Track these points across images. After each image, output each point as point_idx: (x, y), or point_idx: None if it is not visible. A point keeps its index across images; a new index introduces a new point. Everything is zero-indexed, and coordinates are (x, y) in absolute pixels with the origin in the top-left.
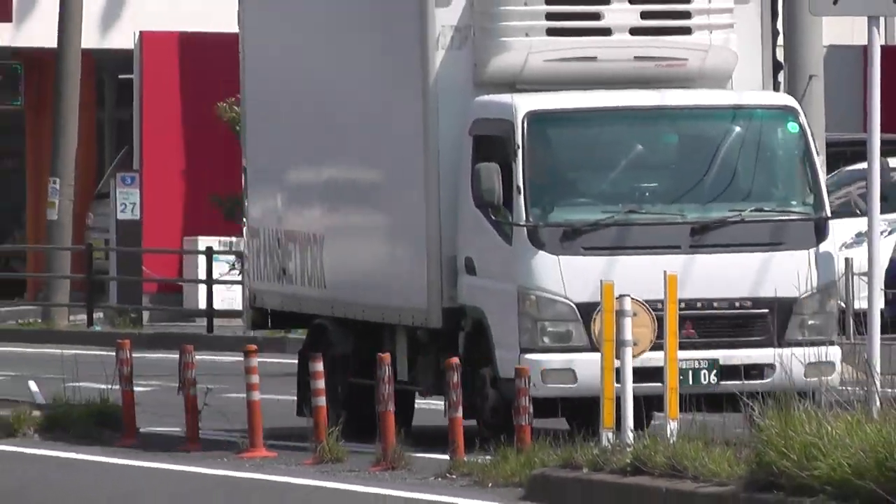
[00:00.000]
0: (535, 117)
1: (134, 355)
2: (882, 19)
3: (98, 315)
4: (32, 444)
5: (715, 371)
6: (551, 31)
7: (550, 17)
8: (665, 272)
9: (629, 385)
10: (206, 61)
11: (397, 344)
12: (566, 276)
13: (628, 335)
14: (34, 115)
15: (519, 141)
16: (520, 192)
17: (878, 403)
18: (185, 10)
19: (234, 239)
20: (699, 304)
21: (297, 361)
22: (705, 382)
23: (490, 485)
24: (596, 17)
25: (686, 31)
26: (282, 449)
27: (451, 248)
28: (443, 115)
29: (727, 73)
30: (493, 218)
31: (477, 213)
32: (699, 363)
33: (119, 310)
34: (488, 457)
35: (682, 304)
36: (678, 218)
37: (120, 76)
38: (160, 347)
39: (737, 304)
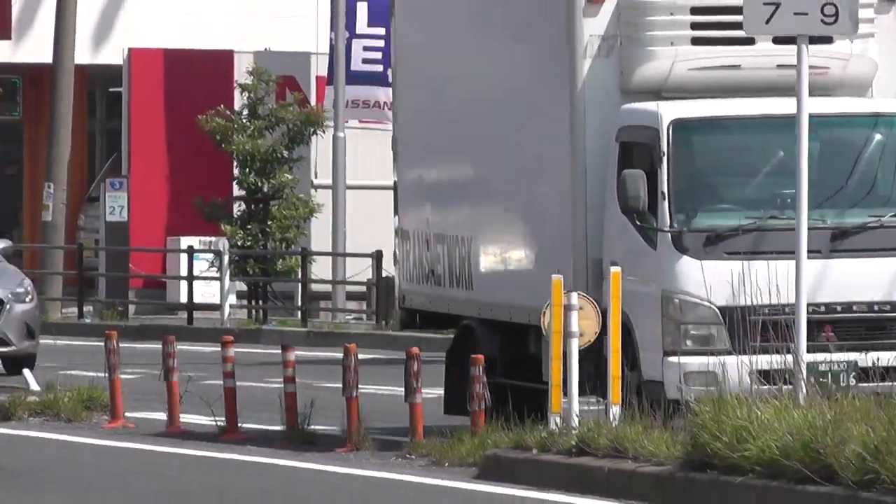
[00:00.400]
0: (679, 125)
1: (121, 345)
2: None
3: (88, 308)
4: (27, 426)
5: (853, 373)
6: (696, 41)
7: (695, 26)
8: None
9: (575, 372)
10: (189, 76)
11: (543, 345)
12: (709, 279)
13: (575, 327)
14: (31, 125)
15: (664, 148)
16: (664, 198)
17: (803, 391)
18: (170, 28)
19: (213, 239)
20: (838, 308)
21: (444, 360)
22: (844, 384)
23: (447, 464)
24: (739, 26)
25: (827, 40)
26: (256, 432)
27: (596, 251)
28: (589, 122)
29: (867, 81)
30: (639, 223)
31: (622, 219)
32: (838, 365)
33: (107, 303)
34: (445, 439)
35: (822, 308)
36: (818, 223)
37: (110, 89)
38: (145, 338)
39: (875, 307)
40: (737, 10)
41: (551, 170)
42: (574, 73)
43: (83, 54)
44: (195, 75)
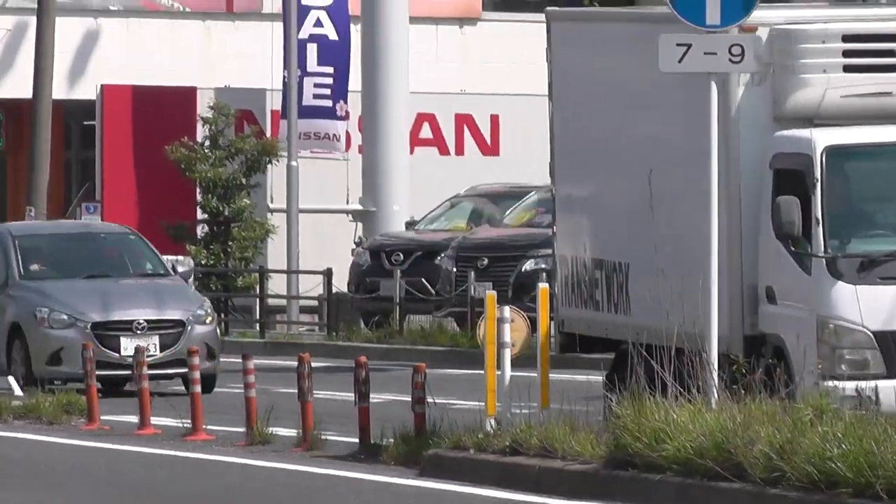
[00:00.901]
0: (833, 151)
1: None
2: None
3: None
4: (11, 428)
5: None
6: (848, 68)
7: (847, 54)
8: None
9: (507, 376)
10: (156, 110)
11: None
12: (863, 305)
13: (507, 338)
14: (13, 155)
15: (818, 174)
16: (818, 224)
17: (715, 395)
18: (138, 66)
19: (179, 258)
20: None
21: (603, 385)
22: None
23: (392, 463)
24: (891, 53)
25: None
26: (220, 433)
27: (751, 276)
28: (743, 149)
29: None
30: (793, 249)
31: (777, 244)
32: None
33: None
34: (391, 440)
35: None
36: None
37: (84, 122)
38: None
39: None
40: (888, 37)
41: (706, 196)
42: (728, 101)
43: (60, 90)
44: (161, 110)
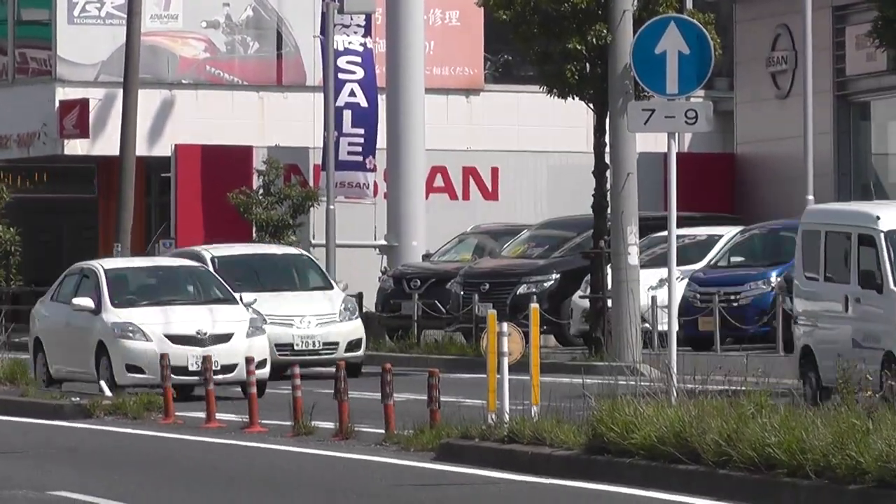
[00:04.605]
0: None
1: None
2: (676, 134)
3: None
4: (103, 423)
5: None
6: None
7: None
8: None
9: (506, 379)
10: (220, 165)
11: None
12: None
13: (505, 348)
14: (104, 201)
15: None
16: None
17: (675, 394)
18: (206, 129)
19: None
20: None
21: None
22: None
23: (412, 450)
24: None
25: None
26: (272, 426)
27: None
28: None
29: None
30: None
31: None
32: None
33: None
34: (411, 431)
35: None
36: None
37: (162, 174)
38: None
39: None
40: None
41: None
42: None
43: (141, 148)
44: (224, 164)
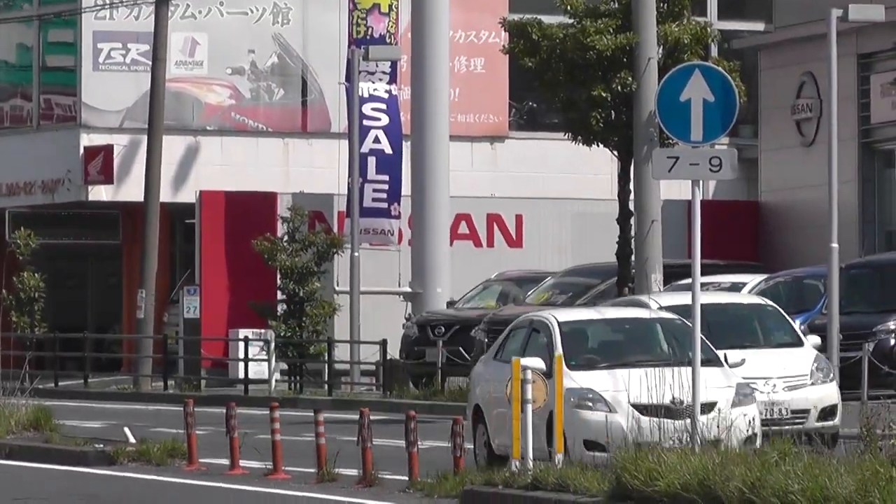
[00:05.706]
0: None
1: (196, 409)
2: (700, 182)
3: (171, 382)
4: (126, 469)
5: None
6: None
7: None
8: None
9: (529, 428)
10: (244, 211)
11: None
12: None
13: (529, 395)
14: (128, 247)
15: None
16: None
17: (699, 442)
18: (230, 176)
19: (263, 330)
20: None
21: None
22: None
23: (436, 497)
24: None
25: None
26: (295, 473)
27: None
28: None
29: None
30: None
31: None
32: None
33: (185, 378)
34: (435, 478)
35: None
36: None
37: (186, 221)
38: (213, 405)
39: None
40: None
41: None
42: None
43: (166, 195)
44: (249, 211)
